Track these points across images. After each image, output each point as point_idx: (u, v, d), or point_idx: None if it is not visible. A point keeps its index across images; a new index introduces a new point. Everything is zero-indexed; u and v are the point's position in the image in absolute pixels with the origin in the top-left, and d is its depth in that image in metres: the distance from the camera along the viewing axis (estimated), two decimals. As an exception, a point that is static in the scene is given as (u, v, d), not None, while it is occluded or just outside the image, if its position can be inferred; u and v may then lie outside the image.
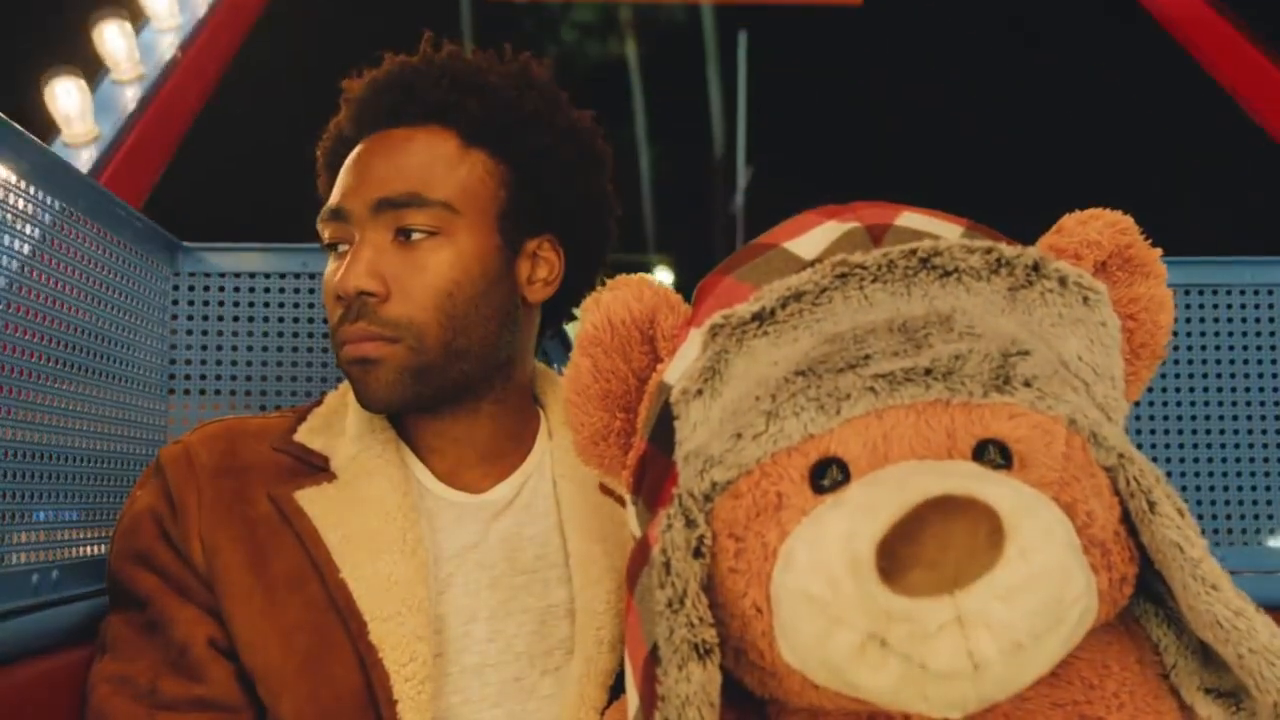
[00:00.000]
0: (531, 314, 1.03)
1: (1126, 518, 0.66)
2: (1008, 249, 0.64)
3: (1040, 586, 0.55)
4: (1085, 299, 0.65)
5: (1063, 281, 0.64)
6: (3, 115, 0.95)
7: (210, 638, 0.88)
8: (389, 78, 1.00)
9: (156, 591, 0.90)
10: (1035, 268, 0.64)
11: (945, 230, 0.69)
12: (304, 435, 0.98)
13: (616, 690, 0.92)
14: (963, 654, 0.54)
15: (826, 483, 0.63)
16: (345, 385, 1.03)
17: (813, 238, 0.69)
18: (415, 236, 0.94)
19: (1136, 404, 1.49)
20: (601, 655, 0.93)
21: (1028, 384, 0.63)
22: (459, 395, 0.98)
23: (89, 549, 1.10)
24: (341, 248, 0.97)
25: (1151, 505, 0.65)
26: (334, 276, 0.96)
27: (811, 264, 0.67)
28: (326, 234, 0.98)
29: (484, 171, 0.97)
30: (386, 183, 0.94)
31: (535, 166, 0.99)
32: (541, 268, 1.00)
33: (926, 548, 0.54)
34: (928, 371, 0.62)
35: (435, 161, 0.95)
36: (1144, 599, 0.70)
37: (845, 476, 0.62)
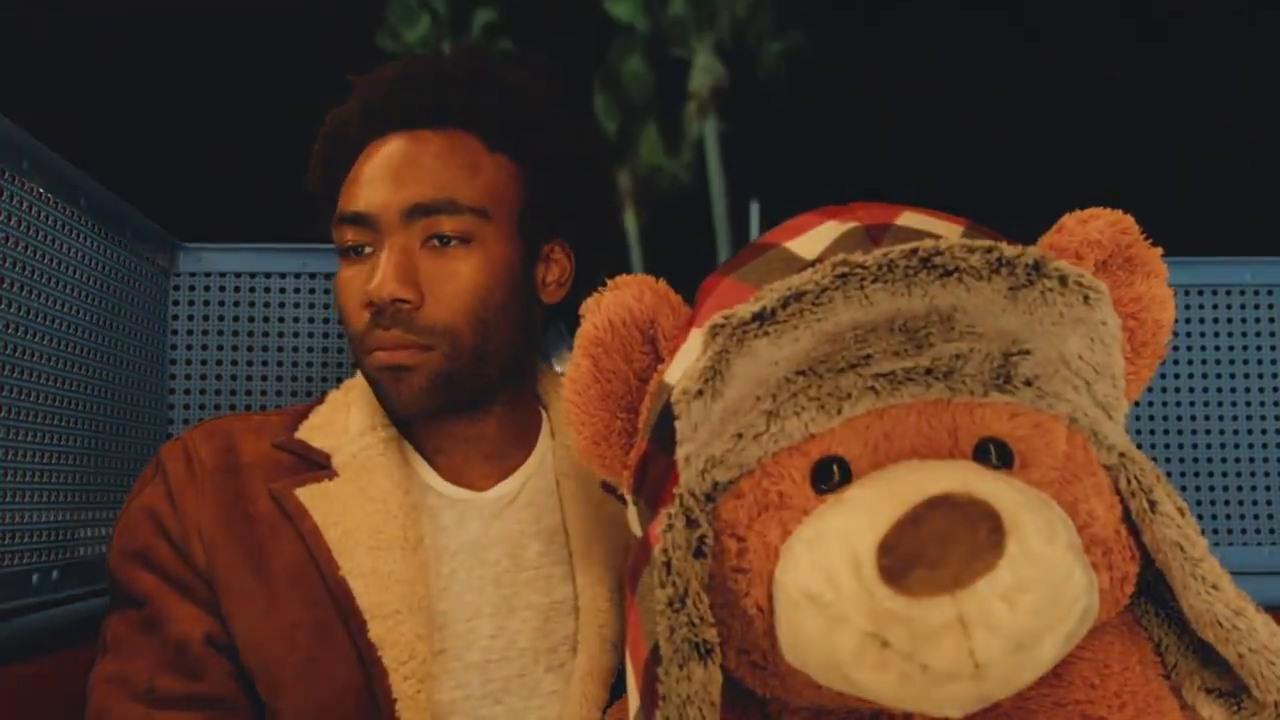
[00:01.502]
0: (543, 316, 1.03)
1: (1127, 517, 0.66)
2: (1008, 248, 0.64)
3: (1041, 586, 0.54)
4: (1086, 298, 0.65)
5: (1063, 281, 0.64)
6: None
7: (209, 635, 0.88)
8: (407, 79, 0.98)
9: (155, 589, 0.90)
10: (1036, 267, 0.64)
11: (945, 230, 0.68)
12: (306, 433, 0.98)
13: (619, 688, 0.92)
14: (964, 654, 0.54)
15: (827, 483, 0.63)
16: (348, 384, 1.03)
17: (813, 237, 0.69)
18: (447, 242, 0.93)
19: (1136, 404, 1.50)
20: (605, 653, 0.93)
21: (1028, 383, 0.63)
22: (479, 399, 0.98)
23: (89, 549, 1.10)
24: (365, 250, 0.95)
25: (1152, 504, 0.65)
26: (355, 281, 0.94)
27: (812, 264, 0.66)
28: (349, 237, 0.95)
29: (507, 176, 0.97)
30: (418, 188, 0.93)
31: (551, 170, 0.99)
32: (554, 270, 1.01)
33: (927, 547, 0.54)
34: (928, 371, 0.62)
35: (463, 166, 0.95)
36: (1145, 599, 0.70)
37: (846, 476, 0.62)
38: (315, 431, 0.99)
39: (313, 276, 1.39)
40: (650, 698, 0.63)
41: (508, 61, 1.02)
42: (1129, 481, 0.66)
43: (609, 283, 0.76)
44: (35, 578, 1.00)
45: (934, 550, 0.54)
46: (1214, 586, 0.63)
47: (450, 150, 0.95)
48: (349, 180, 0.97)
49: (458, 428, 0.99)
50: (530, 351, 1.02)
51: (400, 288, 0.91)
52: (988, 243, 0.63)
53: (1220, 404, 1.49)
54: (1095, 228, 0.71)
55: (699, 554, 0.64)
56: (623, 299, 0.74)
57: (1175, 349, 1.50)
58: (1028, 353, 0.63)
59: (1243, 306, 1.50)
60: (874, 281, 0.64)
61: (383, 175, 0.94)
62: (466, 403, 0.97)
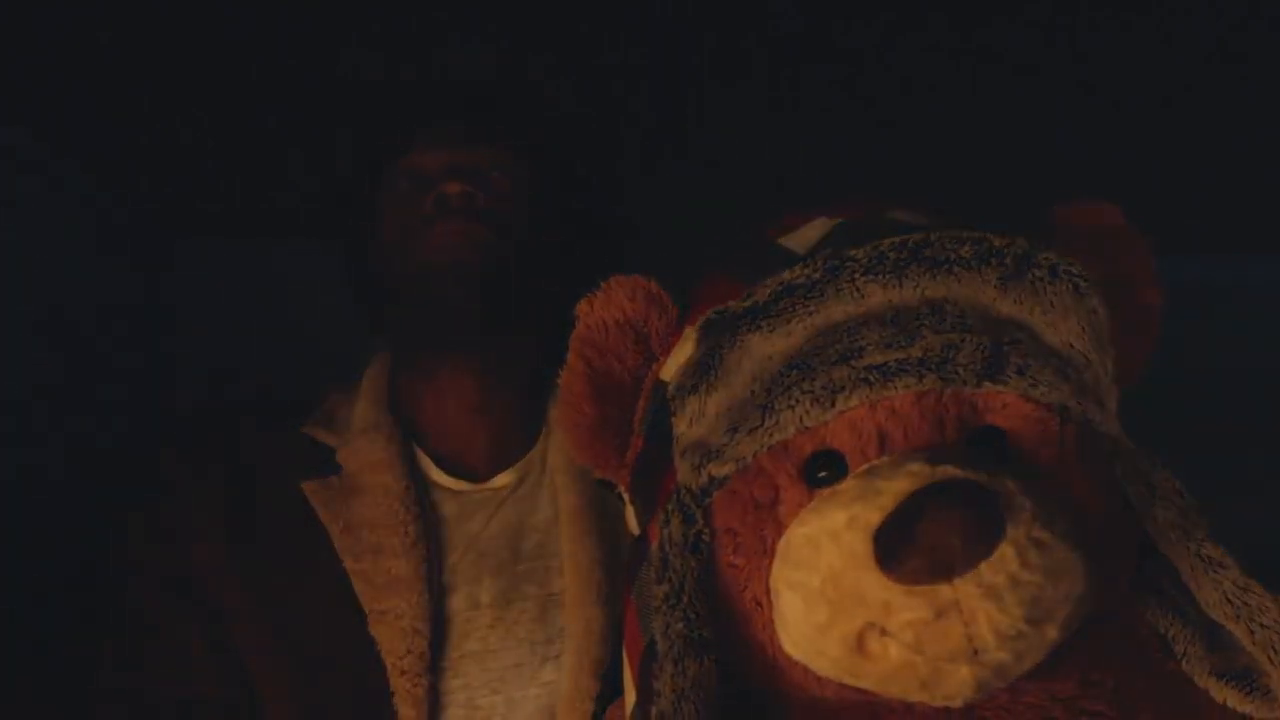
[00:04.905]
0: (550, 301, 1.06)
1: (1125, 504, 0.66)
2: (997, 239, 0.65)
3: (1039, 572, 0.55)
4: (1075, 287, 0.65)
5: (1053, 270, 0.65)
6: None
7: (208, 635, 0.89)
8: (446, 79, 1.07)
9: (154, 589, 0.91)
10: (1025, 257, 0.64)
11: (935, 224, 0.69)
12: (310, 428, 1.00)
13: (617, 681, 0.92)
14: (962, 641, 0.54)
15: (823, 475, 0.63)
16: (351, 383, 1.04)
17: (804, 233, 0.70)
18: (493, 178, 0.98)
19: (1134, 403, 1.50)
20: (593, 645, 0.94)
21: (1020, 372, 0.63)
22: (486, 335, 1.00)
23: (88, 550, 1.10)
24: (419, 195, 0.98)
25: (1150, 488, 0.65)
26: (410, 195, 0.97)
27: (803, 258, 0.67)
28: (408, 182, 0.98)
29: (530, 175, 1.02)
30: (466, 144, 1.00)
31: (569, 180, 1.03)
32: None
33: (923, 536, 0.54)
34: (921, 362, 0.62)
35: (500, 151, 1.01)
36: (1146, 591, 0.70)
37: (841, 468, 0.63)
38: (319, 427, 1.00)
39: (313, 276, 1.40)
40: (646, 693, 0.63)
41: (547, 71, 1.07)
42: (1125, 468, 0.66)
43: (602, 284, 0.76)
44: (33, 580, 1.00)
45: (930, 539, 0.54)
46: (1219, 565, 0.63)
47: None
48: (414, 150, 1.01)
49: (447, 383, 1.00)
50: (537, 324, 1.03)
51: (472, 181, 0.96)
52: (977, 234, 0.64)
53: (1220, 404, 1.49)
54: (1084, 218, 0.71)
55: (695, 550, 0.64)
56: (615, 299, 0.74)
57: (1175, 348, 1.50)
58: (1018, 342, 0.64)
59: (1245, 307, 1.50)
60: (865, 274, 0.64)
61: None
62: (495, 324, 0.98)
